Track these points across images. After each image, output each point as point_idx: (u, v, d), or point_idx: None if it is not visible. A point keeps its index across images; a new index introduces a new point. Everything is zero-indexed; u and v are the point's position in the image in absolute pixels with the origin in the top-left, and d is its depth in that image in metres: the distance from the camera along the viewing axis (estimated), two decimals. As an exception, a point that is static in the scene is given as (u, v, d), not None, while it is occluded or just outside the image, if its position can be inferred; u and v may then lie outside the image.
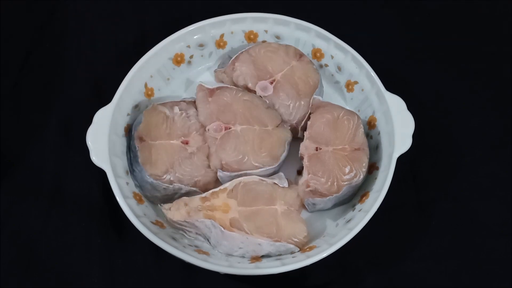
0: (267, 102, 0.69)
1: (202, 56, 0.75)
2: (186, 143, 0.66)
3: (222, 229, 0.60)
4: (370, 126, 0.71)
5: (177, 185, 0.63)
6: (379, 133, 0.69)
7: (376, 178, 0.65)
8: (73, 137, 0.71)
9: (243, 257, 0.62)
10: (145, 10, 0.83)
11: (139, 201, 0.63)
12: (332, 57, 0.74)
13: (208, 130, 0.67)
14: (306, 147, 0.66)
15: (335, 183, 0.64)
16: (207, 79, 0.76)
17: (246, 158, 0.65)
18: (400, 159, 0.64)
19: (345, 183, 0.63)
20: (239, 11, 0.73)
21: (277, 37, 0.75)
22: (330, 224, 0.66)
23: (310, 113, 0.69)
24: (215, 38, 0.74)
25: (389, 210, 0.65)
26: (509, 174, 0.72)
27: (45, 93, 0.75)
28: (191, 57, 0.74)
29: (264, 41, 0.75)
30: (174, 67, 0.74)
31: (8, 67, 0.77)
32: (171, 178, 0.63)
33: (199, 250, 0.61)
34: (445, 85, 0.80)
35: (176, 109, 0.67)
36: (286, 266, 0.58)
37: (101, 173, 0.61)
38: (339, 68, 0.74)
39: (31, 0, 0.82)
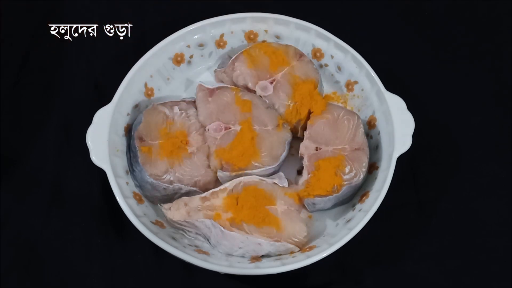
0: (267, 102, 0.69)
1: (202, 56, 0.75)
2: (186, 143, 0.66)
3: (222, 229, 0.60)
4: (370, 126, 0.71)
5: (177, 185, 0.63)
6: (379, 133, 0.69)
7: (376, 178, 0.65)
8: (73, 137, 0.71)
9: (243, 257, 0.62)
10: (145, 10, 0.83)
11: (139, 201, 0.63)
12: (332, 57, 0.74)
13: (208, 130, 0.67)
14: (306, 147, 0.66)
15: (335, 183, 0.64)
16: (207, 79, 0.75)
17: (246, 158, 0.65)
18: (400, 158, 0.64)
19: (345, 183, 0.63)
20: (239, 11, 0.73)
21: (277, 37, 0.75)
22: (330, 224, 0.66)
23: (310, 113, 0.69)
24: (215, 38, 0.74)
25: (389, 210, 0.65)
26: (509, 174, 0.72)
27: (45, 93, 0.75)
28: (191, 57, 0.74)
29: (264, 41, 0.75)
30: (174, 67, 0.74)
31: (8, 67, 0.77)
32: (171, 178, 0.63)
33: (199, 250, 0.61)
34: (445, 84, 0.80)
35: (176, 109, 0.67)
36: (286, 266, 0.58)
37: (101, 173, 0.61)
38: (339, 68, 0.74)
39: (31, 0, 0.82)
